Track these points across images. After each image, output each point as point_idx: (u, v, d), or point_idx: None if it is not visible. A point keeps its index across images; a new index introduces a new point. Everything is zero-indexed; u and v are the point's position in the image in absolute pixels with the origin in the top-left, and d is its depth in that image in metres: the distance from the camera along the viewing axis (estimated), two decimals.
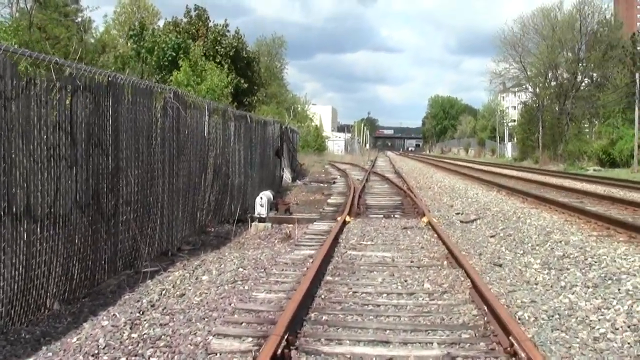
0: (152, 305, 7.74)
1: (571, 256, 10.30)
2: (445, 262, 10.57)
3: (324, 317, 7.24)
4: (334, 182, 32.72)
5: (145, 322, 7.01)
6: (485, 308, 7.29)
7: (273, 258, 10.97)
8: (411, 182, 30.87)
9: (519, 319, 7.08)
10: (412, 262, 10.71)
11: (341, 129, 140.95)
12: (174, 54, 28.73)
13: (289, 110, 51.96)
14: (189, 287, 8.73)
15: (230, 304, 7.70)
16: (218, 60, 35.38)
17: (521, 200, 19.97)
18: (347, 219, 16.25)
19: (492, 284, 8.85)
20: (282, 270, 9.93)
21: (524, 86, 78.67)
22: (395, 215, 17.81)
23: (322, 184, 31.98)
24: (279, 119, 38.08)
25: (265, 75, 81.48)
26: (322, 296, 8.19)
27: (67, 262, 8.33)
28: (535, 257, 10.61)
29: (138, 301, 8.00)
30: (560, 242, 11.65)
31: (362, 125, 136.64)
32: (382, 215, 17.71)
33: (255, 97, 41.93)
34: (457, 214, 17.67)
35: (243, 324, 6.91)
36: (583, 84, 66.36)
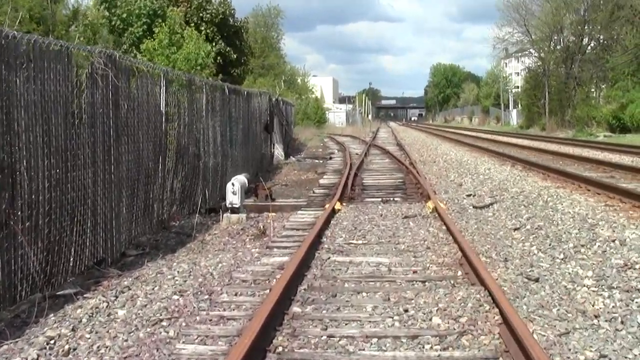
0: None
1: (637, 266, 7.53)
2: (459, 273, 7.88)
3: None
4: (331, 158, 30.03)
5: None
6: None
7: (230, 272, 8.25)
8: (414, 156, 28.10)
9: None
10: (415, 273, 8.01)
11: (342, 100, 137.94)
12: (149, 22, 25.88)
13: (280, 81, 48.94)
14: (88, 335, 6.02)
15: None
16: (202, 29, 32.52)
17: (542, 176, 17.07)
18: (337, 206, 13.58)
19: (532, 317, 6.12)
20: (236, 294, 7.21)
21: (527, 51, 75.78)
22: (395, 199, 15.12)
23: (317, 160, 29.36)
24: (273, 90, 35.42)
25: (262, 46, 79.05)
26: (280, 349, 5.48)
27: None
28: (583, 265, 7.81)
29: None
30: (614, 240, 8.73)
31: (364, 96, 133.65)
32: (379, 199, 15.03)
33: (245, 68, 39.08)
34: (469, 195, 14.92)
35: None
36: (589, 47, 63.32)
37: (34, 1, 28.22)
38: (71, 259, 8.59)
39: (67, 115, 8.45)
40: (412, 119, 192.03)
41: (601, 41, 63.57)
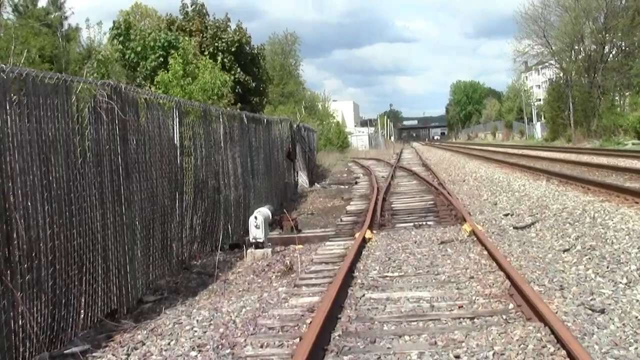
0: None
1: None
2: (511, 306, 6.99)
3: None
4: (356, 183, 29.16)
5: None
6: None
7: (255, 317, 7.41)
8: (442, 175, 27.20)
9: None
10: (460, 308, 7.13)
11: (364, 123, 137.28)
12: (164, 54, 25.26)
13: (301, 107, 48.31)
14: None
15: None
16: (219, 58, 32.01)
17: (582, 190, 16.07)
18: (368, 234, 12.74)
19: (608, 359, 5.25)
20: (262, 346, 6.36)
21: (548, 63, 74.77)
22: (428, 223, 14.27)
23: (342, 186, 28.56)
24: (294, 117, 34.81)
25: (281, 74, 78.90)
26: None
27: None
28: None
29: None
30: None
31: (385, 118, 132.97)
32: (411, 224, 14.18)
33: (264, 96, 38.39)
34: (506, 215, 14.01)
35: None
36: (611, 55, 62.21)
37: (46, 40, 27.81)
38: (81, 312, 7.88)
39: (69, 154, 7.74)
40: (435, 138, 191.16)
41: (623, 48, 62.52)
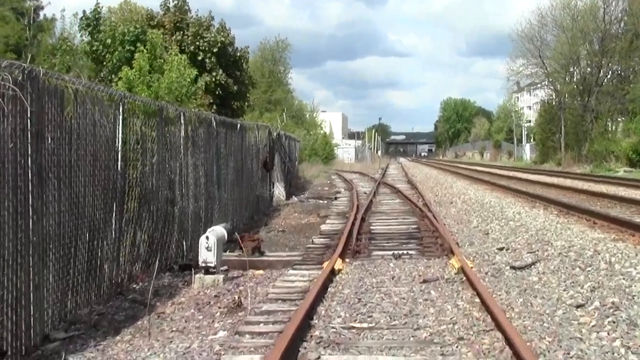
0: None
1: None
2: None
3: None
4: (336, 198, 27.28)
5: None
6: None
7: None
8: (427, 195, 25.33)
9: None
10: None
11: (352, 135, 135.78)
12: (133, 48, 23.27)
13: (282, 114, 46.45)
14: None
15: None
16: (200, 58, 30.30)
17: (587, 224, 14.08)
18: (338, 264, 10.86)
19: None
20: None
21: (540, 84, 73.29)
22: (410, 252, 12.39)
23: (321, 201, 26.77)
24: (274, 124, 33.03)
25: (269, 81, 77.34)
26: None
27: None
28: None
29: None
30: None
31: (374, 131, 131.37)
32: (390, 253, 12.31)
33: (246, 101, 36.45)
34: (501, 249, 12.11)
35: None
36: (606, 78, 60.71)
37: (14, 30, 25.85)
38: None
39: None
40: (422, 154, 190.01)
41: (619, 72, 61.20)
